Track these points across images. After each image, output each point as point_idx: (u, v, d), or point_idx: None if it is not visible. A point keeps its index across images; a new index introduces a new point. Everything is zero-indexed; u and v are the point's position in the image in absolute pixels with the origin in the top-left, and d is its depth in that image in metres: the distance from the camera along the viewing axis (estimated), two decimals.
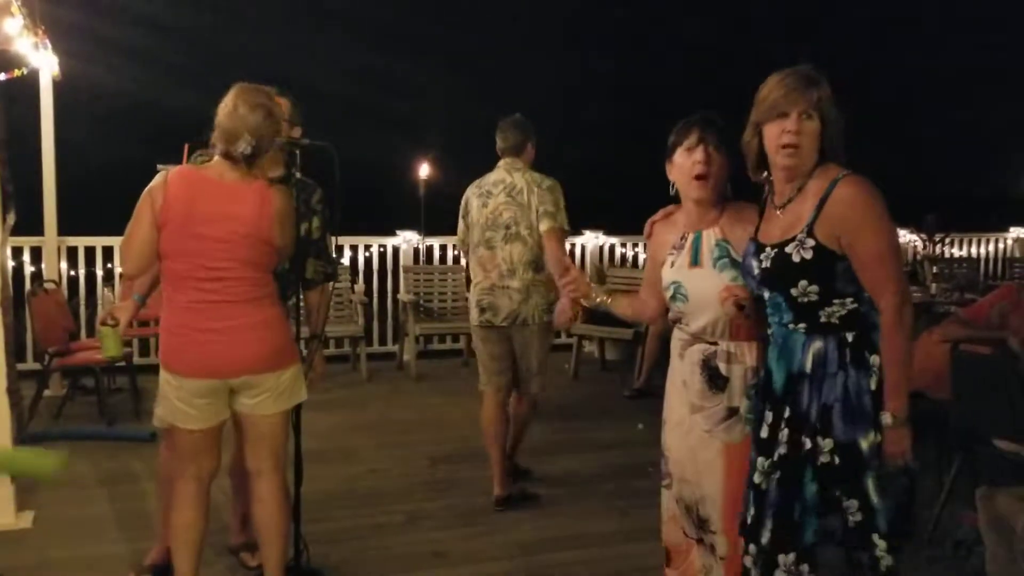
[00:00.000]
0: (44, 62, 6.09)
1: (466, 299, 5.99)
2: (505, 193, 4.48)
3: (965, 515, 3.73)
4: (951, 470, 4.01)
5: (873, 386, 2.38)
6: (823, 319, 2.43)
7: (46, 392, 5.93)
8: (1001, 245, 10.30)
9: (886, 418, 2.35)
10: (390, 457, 5.21)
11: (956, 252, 9.93)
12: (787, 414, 2.48)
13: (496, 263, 4.48)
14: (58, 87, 6.43)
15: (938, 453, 4.36)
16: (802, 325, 2.46)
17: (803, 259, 2.41)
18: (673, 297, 2.81)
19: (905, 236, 9.63)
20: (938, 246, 9.04)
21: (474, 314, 4.57)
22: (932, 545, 3.86)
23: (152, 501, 4.29)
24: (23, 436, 4.90)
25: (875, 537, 2.40)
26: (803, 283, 2.42)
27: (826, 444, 2.41)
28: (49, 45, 5.96)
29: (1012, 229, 10.32)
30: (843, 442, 2.39)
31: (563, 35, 30.69)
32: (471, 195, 4.60)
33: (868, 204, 2.36)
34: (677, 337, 2.88)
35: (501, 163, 4.59)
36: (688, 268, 2.77)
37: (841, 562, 2.49)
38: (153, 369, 3.17)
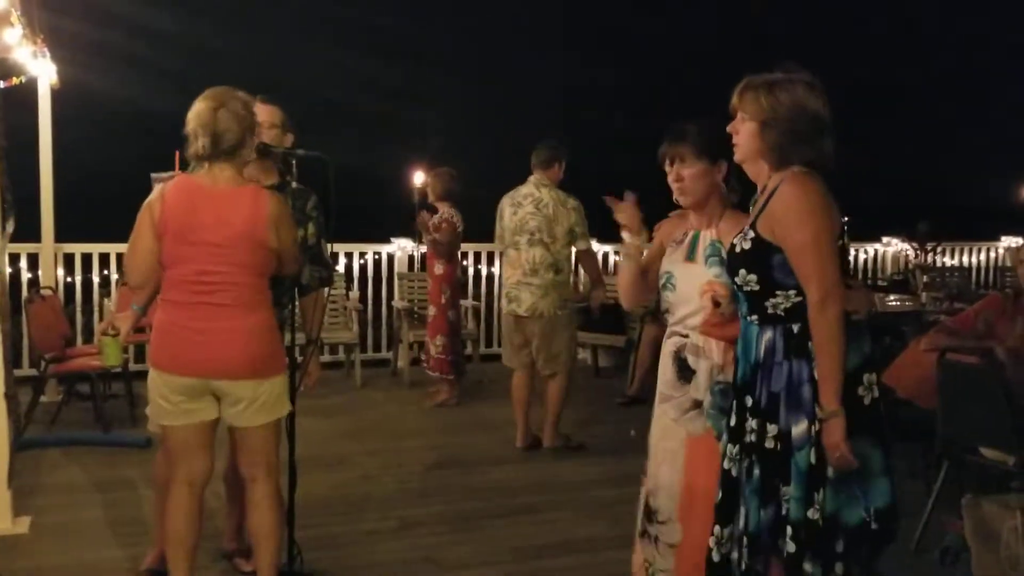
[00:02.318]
0: (43, 70, 6.13)
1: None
2: (533, 205, 5.32)
3: (951, 523, 3.76)
4: (937, 478, 4.06)
5: (817, 376, 2.42)
6: (770, 310, 2.50)
7: (42, 398, 5.94)
8: (992, 254, 10.34)
9: (817, 411, 2.40)
10: (383, 463, 5.25)
11: (948, 261, 9.97)
12: (748, 403, 2.57)
13: (521, 262, 5.34)
14: (56, 95, 6.47)
15: (925, 461, 4.42)
16: (755, 316, 2.54)
17: (743, 249, 2.52)
18: (664, 286, 3.00)
19: (897, 245, 9.70)
20: (930, 255, 9.08)
21: (504, 303, 5.52)
22: (919, 552, 3.90)
23: (148, 506, 4.31)
24: (19, 442, 4.92)
25: (787, 526, 2.44)
26: (743, 272, 2.52)
27: (771, 430, 2.48)
28: (48, 53, 6.00)
29: (1003, 238, 10.36)
30: (783, 430, 2.46)
31: (561, 40, 30.71)
32: (505, 203, 5.46)
33: (798, 200, 2.41)
34: (667, 331, 3.05)
35: (531, 177, 5.41)
36: (683, 262, 2.96)
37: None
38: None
